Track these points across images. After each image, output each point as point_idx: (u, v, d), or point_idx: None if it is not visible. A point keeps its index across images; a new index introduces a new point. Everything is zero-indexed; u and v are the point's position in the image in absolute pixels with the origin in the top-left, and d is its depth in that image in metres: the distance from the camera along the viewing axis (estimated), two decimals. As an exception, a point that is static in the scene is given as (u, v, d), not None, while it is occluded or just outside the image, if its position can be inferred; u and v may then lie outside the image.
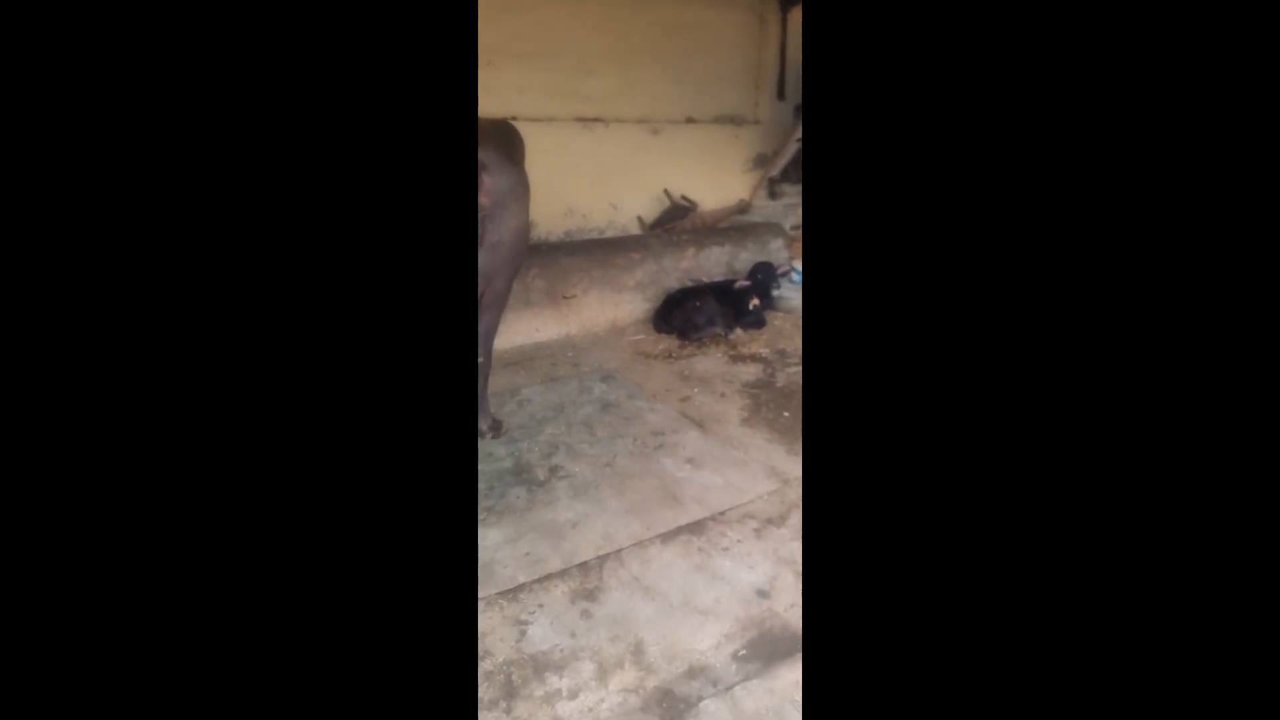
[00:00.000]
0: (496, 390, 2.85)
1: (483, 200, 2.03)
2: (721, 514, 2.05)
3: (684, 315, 3.58)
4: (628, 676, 1.47)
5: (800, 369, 3.02)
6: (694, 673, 1.48)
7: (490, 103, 3.56)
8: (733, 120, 4.60)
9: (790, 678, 1.46)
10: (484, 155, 2.02)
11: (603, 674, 1.47)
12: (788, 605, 1.67)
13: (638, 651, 1.53)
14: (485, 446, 2.39)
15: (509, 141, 2.36)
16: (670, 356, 3.35)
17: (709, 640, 1.57)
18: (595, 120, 4.07)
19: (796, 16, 4.48)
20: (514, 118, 3.68)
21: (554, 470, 2.27)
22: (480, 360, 2.32)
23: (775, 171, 4.71)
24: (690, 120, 4.42)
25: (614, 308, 3.78)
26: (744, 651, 1.54)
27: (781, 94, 4.65)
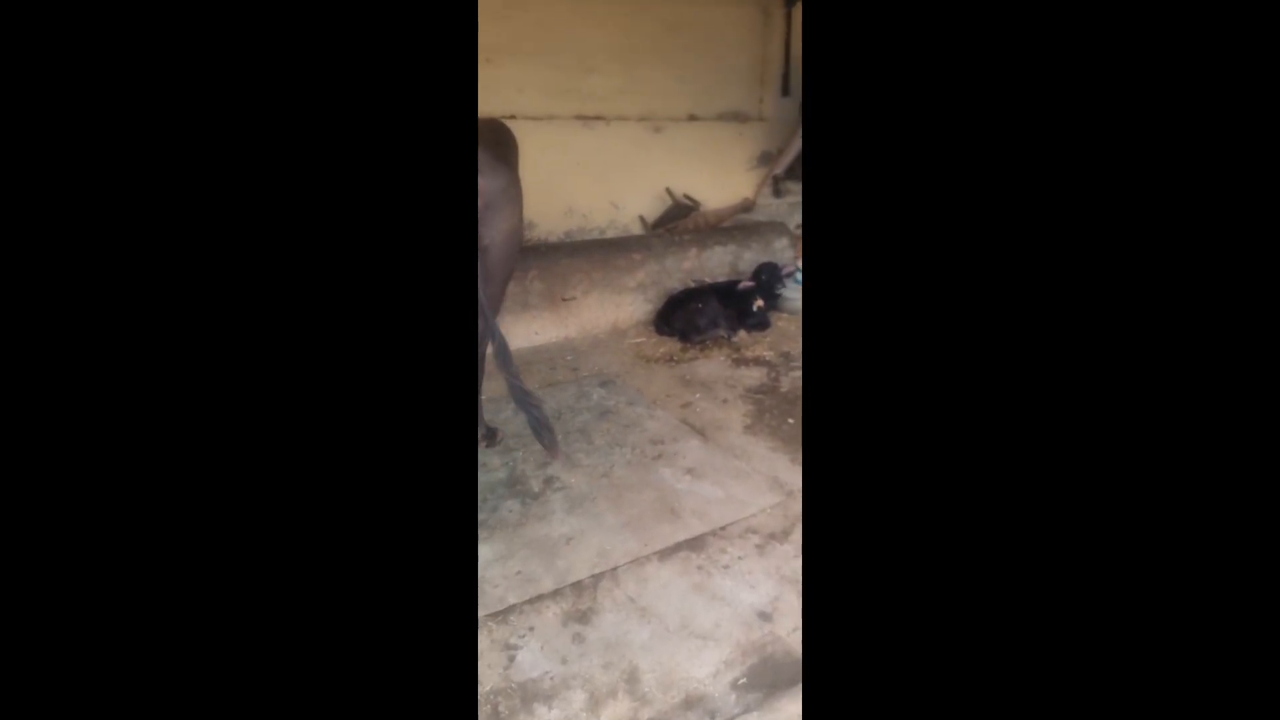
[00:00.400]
0: (492, 396, 2.78)
1: (474, 202, 1.95)
2: (722, 529, 1.97)
3: (686, 317, 3.50)
4: (620, 708, 1.39)
5: (805, 373, 2.90)
6: (691, 703, 1.40)
7: (489, 101, 3.48)
8: (736, 117, 4.50)
9: (793, 710, 1.38)
10: None
11: (594, 705, 1.40)
12: (791, 629, 1.59)
13: (632, 680, 1.45)
14: (479, 456, 2.32)
15: (501, 142, 2.28)
16: (672, 360, 3.27)
17: (707, 667, 1.49)
18: (596, 118, 3.99)
19: (801, 11, 4.38)
20: (513, 116, 3.61)
21: (549, 482, 2.19)
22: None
23: (780, 169, 4.61)
24: (693, 118, 4.32)
25: (615, 309, 3.70)
26: (744, 680, 1.46)
27: (786, 90, 4.55)
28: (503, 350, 1.95)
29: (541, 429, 1.95)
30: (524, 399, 1.95)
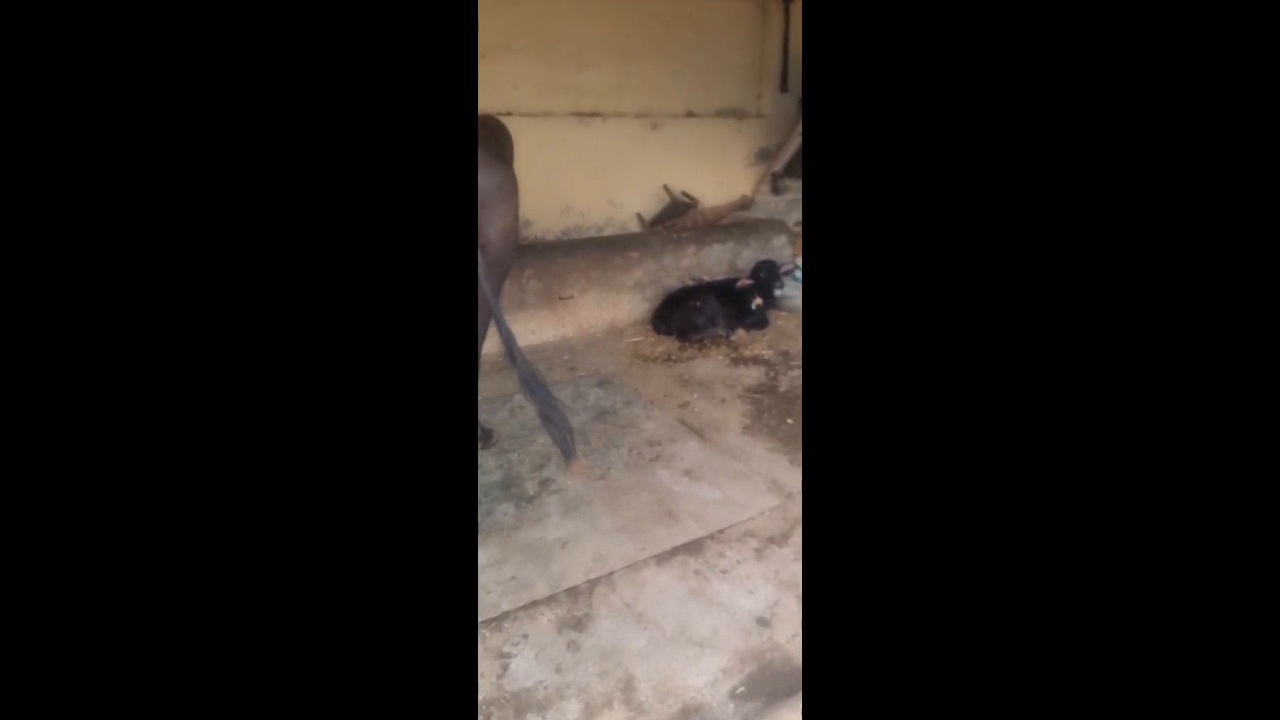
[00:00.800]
0: (488, 396, 2.74)
1: (469, 200, 1.92)
2: (720, 532, 1.93)
3: (684, 316, 3.47)
4: (616, 718, 1.36)
5: (804, 373, 2.87)
6: (688, 713, 1.37)
7: (484, 97, 3.44)
8: (734, 114, 4.46)
9: (793, 719, 1.35)
10: None
11: (589, 715, 1.37)
12: (790, 635, 1.56)
13: (628, 689, 1.42)
14: (474, 458, 2.28)
15: (496, 138, 2.24)
16: (670, 359, 3.24)
17: (705, 676, 1.46)
18: (593, 115, 3.95)
19: (799, 7, 4.34)
20: (508, 113, 3.57)
21: (545, 484, 2.16)
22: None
23: (778, 166, 4.58)
24: (691, 114, 4.29)
25: (612, 308, 3.67)
26: (743, 689, 1.43)
27: (784, 86, 4.51)
28: (510, 344, 1.89)
29: (559, 432, 1.85)
30: (540, 396, 1.87)
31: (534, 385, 1.88)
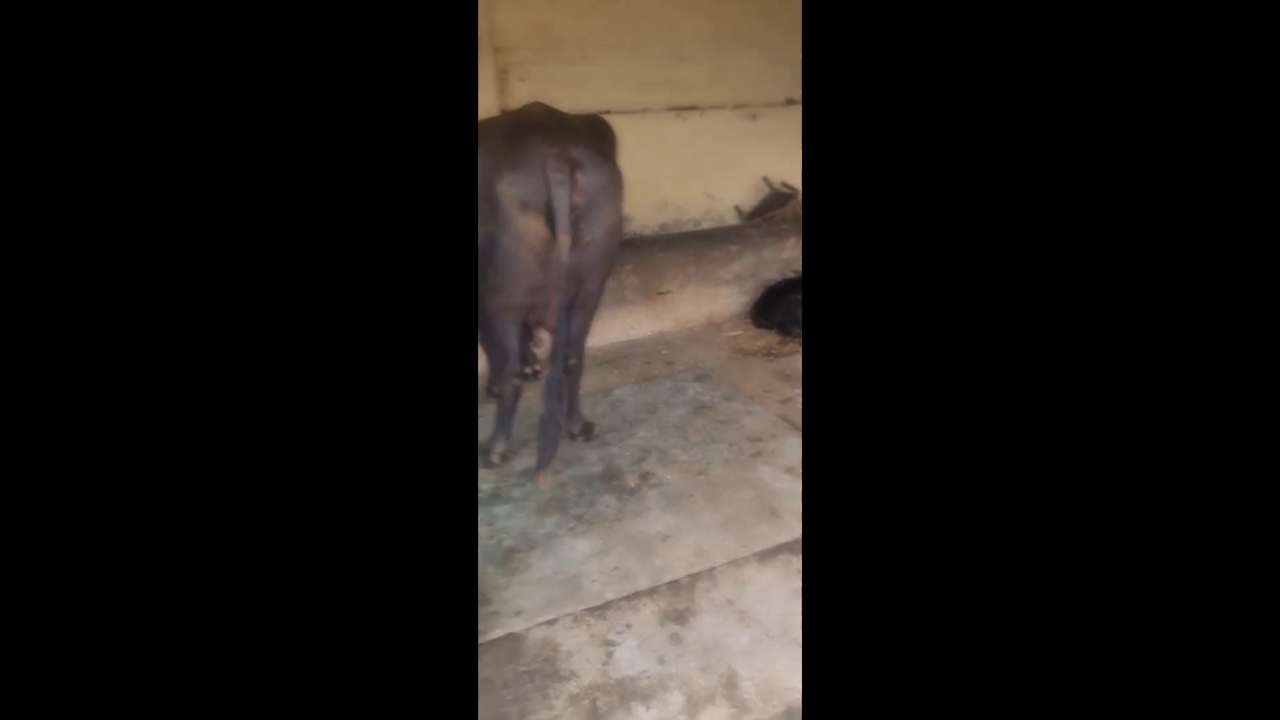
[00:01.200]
0: (589, 391, 2.81)
1: (576, 199, 1.97)
2: (824, 532, 1.88)
3: (785, 309, 3.39)
4: (720, 714, 1.36)
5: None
6: (792, 714, 1.35)
7: (583, 97, 3.51)
8: (837, 99, 4.30)
9: (904, 729, 1.29)
10: (576, 153, 1.96)
11: (693, 708, 1.37)
12: (900, 642, 1.50)
13: (730, 685, 1.42)
14: (576, 450, 2.35)
15: (600, 137, 2.28)
16: (770, 353, 3.18)
17: (810, 678, 1.43)
18: (690, 108, 3.93)
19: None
20: (607, 111, 3.61)
21: (645, 478, 2.19)
22: (572, 362, 2.27)
23: (885, 152, 4.37)
24: (790, 102, 4.17)
25: (710, 303, 3.65)
26: (850, 694, 1.39)
27: (892, 67, 4.30)
28: (565, 346, 2.03)
29: (548, 440, 2.01)
30: (550, 406, 2.00)
31: (553, 394, 2.02)
